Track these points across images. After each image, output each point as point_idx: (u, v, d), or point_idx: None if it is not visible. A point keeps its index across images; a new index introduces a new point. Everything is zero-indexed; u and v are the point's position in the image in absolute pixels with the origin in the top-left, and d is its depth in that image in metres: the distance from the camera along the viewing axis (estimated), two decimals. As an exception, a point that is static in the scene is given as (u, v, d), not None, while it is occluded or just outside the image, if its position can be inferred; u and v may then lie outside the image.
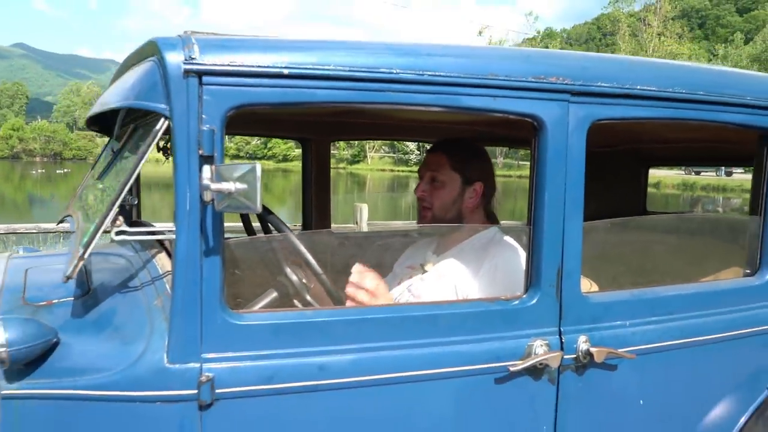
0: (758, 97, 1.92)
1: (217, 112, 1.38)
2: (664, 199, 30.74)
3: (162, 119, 1.40)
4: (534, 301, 1.69)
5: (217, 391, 1.43)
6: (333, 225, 3.28)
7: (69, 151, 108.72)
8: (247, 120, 2.49)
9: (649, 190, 3.68)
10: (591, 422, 1.82)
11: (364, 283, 1.73)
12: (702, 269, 2.37)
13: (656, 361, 1.87)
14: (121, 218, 1.46)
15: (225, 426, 1.46)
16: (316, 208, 3.03)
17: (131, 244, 1.93)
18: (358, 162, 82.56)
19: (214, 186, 1.35)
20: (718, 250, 2.51)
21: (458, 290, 1.98)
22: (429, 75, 1.52)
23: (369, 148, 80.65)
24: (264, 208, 1.51)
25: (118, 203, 1.43)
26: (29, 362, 1.41)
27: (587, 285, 2.13)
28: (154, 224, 1.83)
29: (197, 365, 1.43)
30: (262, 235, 2.17)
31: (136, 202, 2.37)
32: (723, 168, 37.28)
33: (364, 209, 6.92)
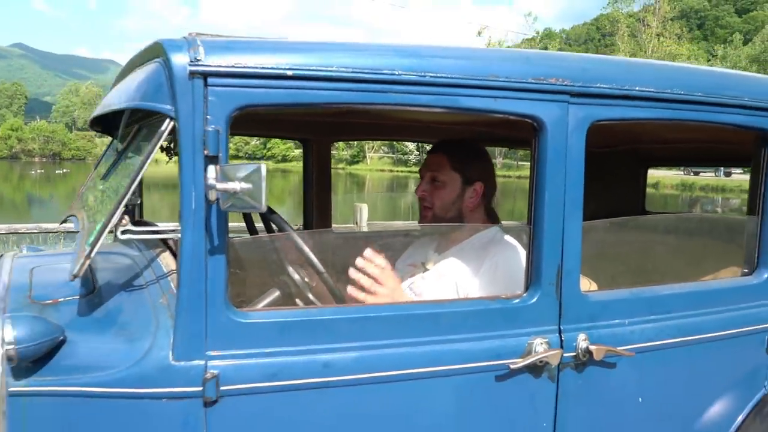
0: (756, 98, 1.94)
1: (222, 112, 1.40)
2: (662, 199, 30.77)
3: (167, 120, 1.42)
4: (534, 300, 1.71)
5: (221, 388, 1.45)
6: (333, 225, 3.30)
7: (68, 152, 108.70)
8: (249, 120, 2.51)
9: (648, 190, 3.70)
10: (590, 419, 1.84)
11: (375, 259, 1.77)
12: (700, 268, 2.38)
13: (654, 359, 1.89)
14: (126, 218, 1.48)
15: (230, 422, 1.47)
16: (316, 208, 3.05)
17: (135, 244, 1.95)
18: (357, 162, 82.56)
19: (220, 186, 1.36)
20: (716, 249, 2.53)
21: (459, 289, 2.00)
22: (431, 76, 1.54)
23: (368, 148, 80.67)
24: (267, 207, 1.53)
25: (124, 203, 1.45)
26: (36, 360, 1.43)
27: (586, 284, 2.15)
28: (156, 224, 1.85)
29: (202, 362, 1.44)
30: (264, 234, 2.18)
31: (138, 202, 2.38)
32: (722, 168, 37.31)
33: (364, 209, 6.93)
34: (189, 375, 1.44)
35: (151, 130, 1.66)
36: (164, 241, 1.86)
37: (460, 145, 2.17)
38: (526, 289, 1.74)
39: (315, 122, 2.90)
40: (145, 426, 1.45)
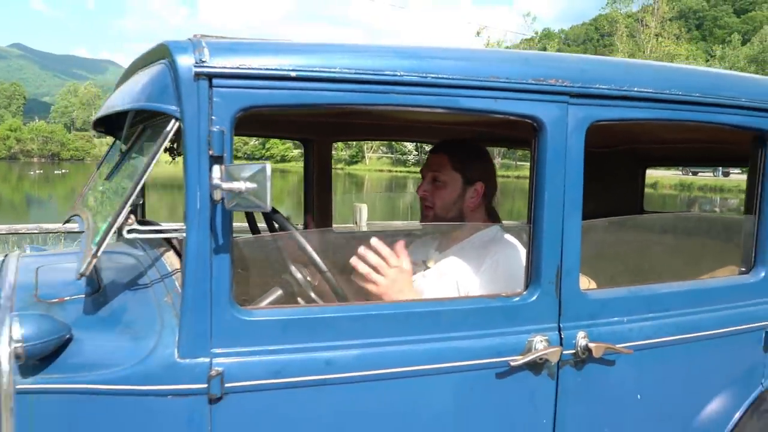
0: (753, 98, 1.96)
1: (227, 113, 1.42)
2: (661, 199, 30.78)
3: (172, 121, 1.44)
4: (534, 298, 1.73)
5: (226, 385, 1.47)
6: (333, 225, 3.32)
7: (67, 152, 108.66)
8: (251, 121, 2.52)
9: (647, 190, 3.72)
10: (589, 416, 1.86)
11: (381, 249, 1.78)
12: (698, 267, 2.40)
13: (653, 356, 1.91)
14: (132, 217, 1.50)
15: (234, 419, 1.49)
16: (317, 208, 3.07)
17: (139, 243, 1.97)
18: (356, 162, 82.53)
19: (225, 185, 1.38)
20: (713, 248, 2.55)
21: (460, 287, 2.02)
22: (432, 77, 1.56)
23: (367, 148, 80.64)
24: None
25: (130, 202, 1.47)
26: (43, 357, 1.44)
27: (586, 282, 2.17)
28: (160, 224, 1.86)
29: (207, 360, 1.46)
30: (267, 233, 2.20)
31: (141, 202, 2.40)
32: (720, 168, 37.31)
33: (364, 209, 6.94)
34: (194, 372, 1.45)
35: (155, 130, 1.68)
36: (168, 241, 1.87)
37: (461, 146, 2.19)
38: (526, 287, 1.76)
39: (316, 123, 2.92)
40: (150, 423, 1.47)
